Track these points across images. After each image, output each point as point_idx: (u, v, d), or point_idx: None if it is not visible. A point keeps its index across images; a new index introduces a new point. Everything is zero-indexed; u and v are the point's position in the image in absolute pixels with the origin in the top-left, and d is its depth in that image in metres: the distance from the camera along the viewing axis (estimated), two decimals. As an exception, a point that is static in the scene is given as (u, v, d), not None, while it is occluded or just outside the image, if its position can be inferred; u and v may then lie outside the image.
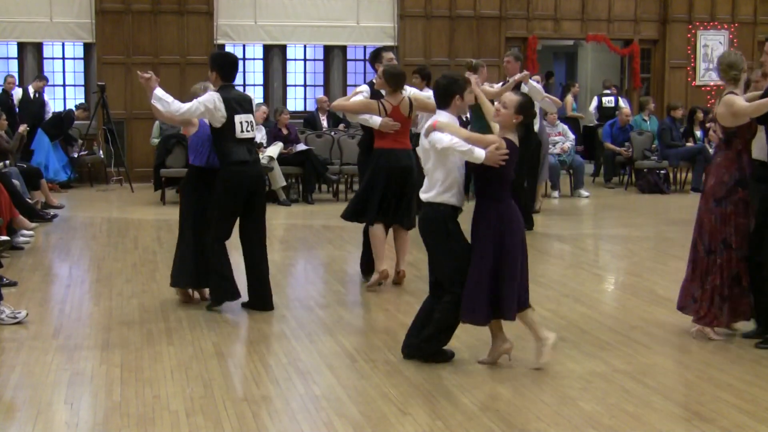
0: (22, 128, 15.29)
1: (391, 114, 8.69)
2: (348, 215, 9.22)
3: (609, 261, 11.13)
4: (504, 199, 6.27)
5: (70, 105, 18.69)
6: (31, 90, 17.57)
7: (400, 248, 9.12)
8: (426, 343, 6.49)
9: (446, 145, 6.20)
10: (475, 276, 6.21)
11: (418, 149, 6.68)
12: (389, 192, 8.80)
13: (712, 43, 21.36)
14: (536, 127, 12.15)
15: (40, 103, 17.57)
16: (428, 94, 8.68)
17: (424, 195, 6.47)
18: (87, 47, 18.78)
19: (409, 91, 9.00)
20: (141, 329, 7.46)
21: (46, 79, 18.05)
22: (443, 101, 6.52)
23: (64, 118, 17.47)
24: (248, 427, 5.35)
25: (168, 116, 8.01)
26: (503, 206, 6.25)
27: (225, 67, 8.08)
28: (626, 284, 9.44)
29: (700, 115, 17.86)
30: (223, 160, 7.94)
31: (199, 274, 8.19)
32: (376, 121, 8.69)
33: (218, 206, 7.94)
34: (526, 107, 6.31)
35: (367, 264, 9.33)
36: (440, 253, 6.42)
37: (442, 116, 6.44)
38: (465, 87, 6.53)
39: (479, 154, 6.13)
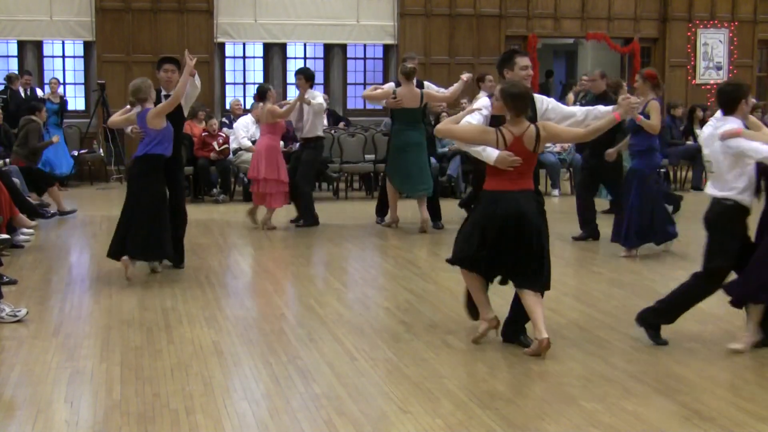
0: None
1: (512, 147, 6.60)
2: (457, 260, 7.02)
3: (609, 259, 11.11)
4: None
5: (70, 103, 18.68)
6: (21, 89, 17.50)
7: (533, 312, 6.72)
8: (658, 312, 7.07)
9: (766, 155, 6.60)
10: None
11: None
12: (502, 245, 6.70)
13: (712, 42, 21.36)
14: None
15: (33, 99, 17.47)
16: (485, 103, 7.00)
17: (718, 193, 6.82)
18: (87, 45, 18.79)
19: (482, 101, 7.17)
20: (141, 327, 7.45)
21: (30, 74, 17.97)
22: (730, 107, 6.82)
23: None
24: (248, 425, 5.35)
25: (180, 97, 9.23)
26: None
27: None
28: (626, 283, 9.43)
29: (699, 113, 17.88)
30: None
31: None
32: (491, 155, 6.62)
33: None
34: None
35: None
36: (717, 246, 6.86)
37: (734, 122, 6.76)
38: (748, 92, 6.93)
39: None
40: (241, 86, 20.02)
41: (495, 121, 6.79)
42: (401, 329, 7.43)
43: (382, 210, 13.08)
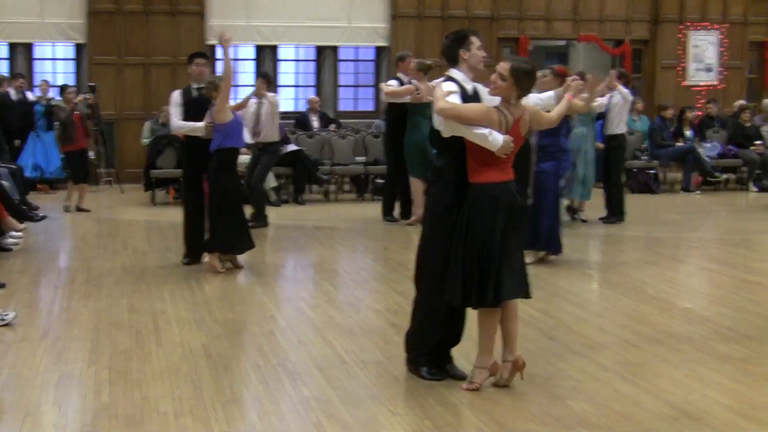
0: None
1: (512, 131, 5.92)
2: (459, 298, 5.91)
3: (598, 260, 11.14)
4: None
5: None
6: (12, 92, 17.44)
7: (514, 328, 6.12)
8: None
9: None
10: None
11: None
12: (510, 242, 5.91)
13: (703, 44, 21.38)
14: None
15: (24, 102, 17.41)
16: (452, 87, 6.10)
17: None
18: (78, 48, 18.75)
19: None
20: (130, 330, 7.44)
21: (23, 77, 17.91)
22: None
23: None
24: (237, 428, 5.34)
25: (230, 79, 9.64)
26: None
27: None
28: (616, 283, 9.45)
29: (689, 115, 17.92)
30: None
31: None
32: (497, 139, 5.79)
33: None
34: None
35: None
36: None
37: None
38: None
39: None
40: (233, 88, 19.95)
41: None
42: (391, 331, 7.42)
43: (389, 209, 13.36)
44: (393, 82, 13.09)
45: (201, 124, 9.74)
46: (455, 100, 5.94)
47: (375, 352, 6.85)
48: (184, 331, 7.42)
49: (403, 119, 12.83)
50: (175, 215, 13.23)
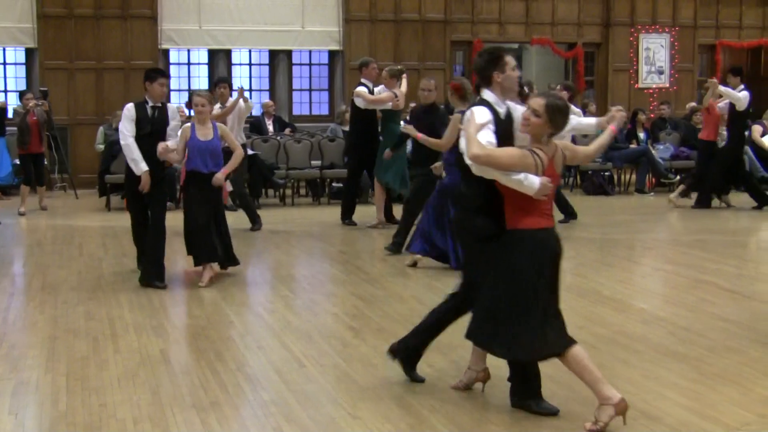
0: None
1: (548, 171, 5.52)
2: (521, 352, 5.58)
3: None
4: None
5: (11, 112, 18.42)
6: None
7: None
8: None
9: None
10: None
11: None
12: (556, 292, 5.62)
13: (654, 46, 21.62)
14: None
15: None
16: (487, 116, 5.70)
17: None
18: (29, 52, 18.55)
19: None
20: (87, 337, 7.38)
21: None
22: None
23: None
24: (197, 433, 5.33)
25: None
26: None
27: None
28: (572, 285, 9.51)
29: (642, 117, 18.11)
30: None
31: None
32: (533, 183, 5.39)
33: None
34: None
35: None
36: None
37: None
38: None
39: None
40: (186, 93, 19.89)
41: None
42: (349, 335, 7.43)
43: (348, 212, 13.47)
44: (362, 89, 13.09)
45: (143, 167, 9.36)
46: (489, 132, 5.58)
47: (333, 355, 6.86)
48: (142, 337, 7.37)
49: (370, 125, 13.00)
50: (130, 220, 13.14)
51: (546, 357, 5.54)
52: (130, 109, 9.50)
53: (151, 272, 9.35)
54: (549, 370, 5.85)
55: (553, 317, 5.50)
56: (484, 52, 5.96)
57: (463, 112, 6.57)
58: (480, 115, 5.64)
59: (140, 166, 9.33)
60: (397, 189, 12.92)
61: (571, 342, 5.50)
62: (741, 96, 14.53)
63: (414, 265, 10.18)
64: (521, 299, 5.43)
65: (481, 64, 5.92)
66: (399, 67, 12.84)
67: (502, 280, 5.52)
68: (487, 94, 5.83)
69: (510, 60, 5.90)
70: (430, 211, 9.89)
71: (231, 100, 13.36)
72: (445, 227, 9.63)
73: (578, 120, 7.28)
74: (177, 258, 10.49)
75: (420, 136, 10.36)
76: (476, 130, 5.53)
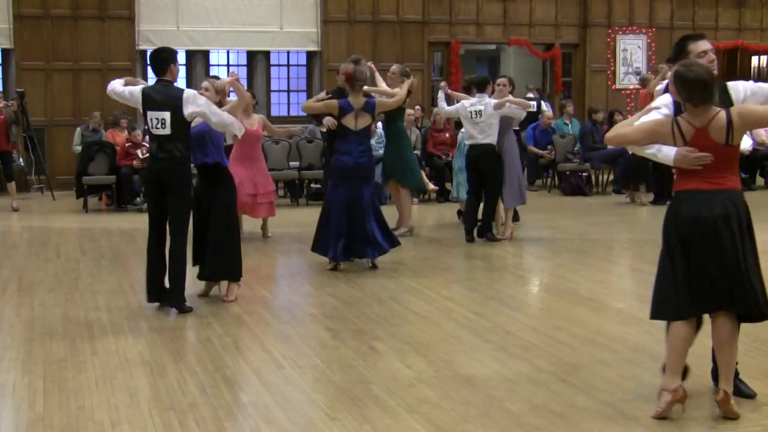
0: None
1: (694, 141, 5.35)
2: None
3: (533, 263, 11.25)
4: None
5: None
6: None
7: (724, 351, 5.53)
8: None
9: None
10: None
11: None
12: (700, 261, 5.40)
13: (631, 48, 21.74)
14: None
15: None
16: (666, 101, 5.65)
17: None
18: (5, 53, 18.46)
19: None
20: (64, 339, 7.35)
21: None
22: None
23: None
24: (175, 435, 5.31)
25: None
26: None
27: (150, 62, 8.65)
28: (550, 286, 9.55)
29: (619, 117, 18.15)
30: None
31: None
32: (667, 155, 5.42)
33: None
34: None
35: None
36: None
37: None
38: None
39: None
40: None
41: None
42: (327, 336, 7.43)
43: None
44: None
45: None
46: (654, 117, 5.54)
47: (312, 356, 6.85)
48: (119, 339, 7.35)
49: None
50: (107, 222, 13.10)
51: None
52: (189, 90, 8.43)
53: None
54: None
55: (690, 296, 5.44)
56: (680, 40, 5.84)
57: None
58: (660, 100, 5.69)
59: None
60: (421, 187, 13.40)
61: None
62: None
63: (335, 269, 10.12)
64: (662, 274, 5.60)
65: (671, 55, 5.91)
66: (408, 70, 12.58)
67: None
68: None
69: (694, 47, 5.70)
70: (341, 213, 9.99)
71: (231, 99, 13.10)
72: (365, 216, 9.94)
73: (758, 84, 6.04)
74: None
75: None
76: (644, 113, 5.67)
